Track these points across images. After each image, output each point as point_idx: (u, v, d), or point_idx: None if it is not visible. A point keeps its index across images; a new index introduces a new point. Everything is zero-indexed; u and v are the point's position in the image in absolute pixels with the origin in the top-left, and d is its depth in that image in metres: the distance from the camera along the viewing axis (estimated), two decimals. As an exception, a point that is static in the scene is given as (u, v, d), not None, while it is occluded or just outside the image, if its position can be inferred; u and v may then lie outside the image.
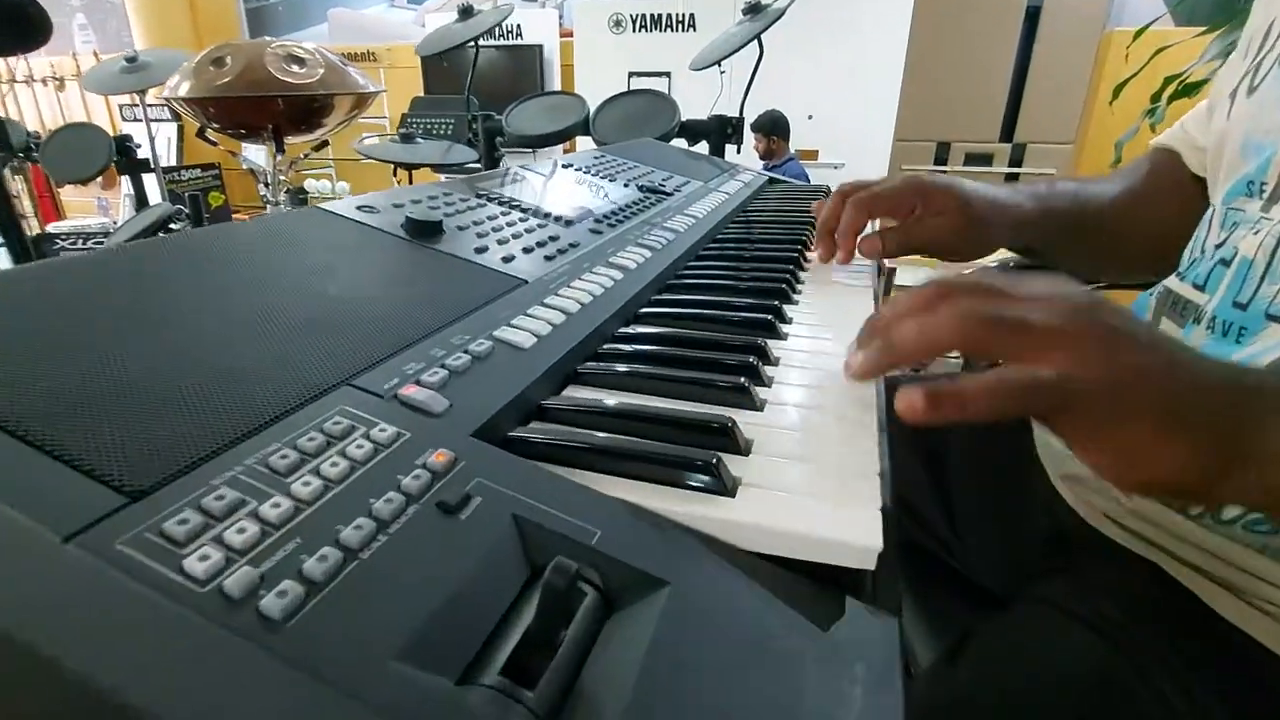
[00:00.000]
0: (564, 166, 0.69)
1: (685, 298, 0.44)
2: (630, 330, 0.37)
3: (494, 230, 0.44)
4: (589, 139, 1.31)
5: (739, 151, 1.43)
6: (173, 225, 1.98)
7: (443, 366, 0.27)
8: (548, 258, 0.42)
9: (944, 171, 3.16)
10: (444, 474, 0.21)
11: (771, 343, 0.36)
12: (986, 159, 3.17)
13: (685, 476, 0.23)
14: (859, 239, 0.51)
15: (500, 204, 0.51)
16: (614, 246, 0.48)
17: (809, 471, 0.24)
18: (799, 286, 0.48)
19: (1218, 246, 0.41)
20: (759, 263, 0.51)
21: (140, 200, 2.29)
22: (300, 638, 0.15)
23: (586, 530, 0.20)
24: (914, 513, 0.56)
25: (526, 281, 0.38)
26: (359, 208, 0.42)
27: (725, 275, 0.48)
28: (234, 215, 2.74)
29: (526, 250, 0.43)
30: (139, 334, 0.25)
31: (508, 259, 0.40)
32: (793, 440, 0.26)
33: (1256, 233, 0.38)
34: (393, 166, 1.35)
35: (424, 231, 0.41)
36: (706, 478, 0.23)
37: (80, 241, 2.17)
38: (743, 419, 0.28)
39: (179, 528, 0.17)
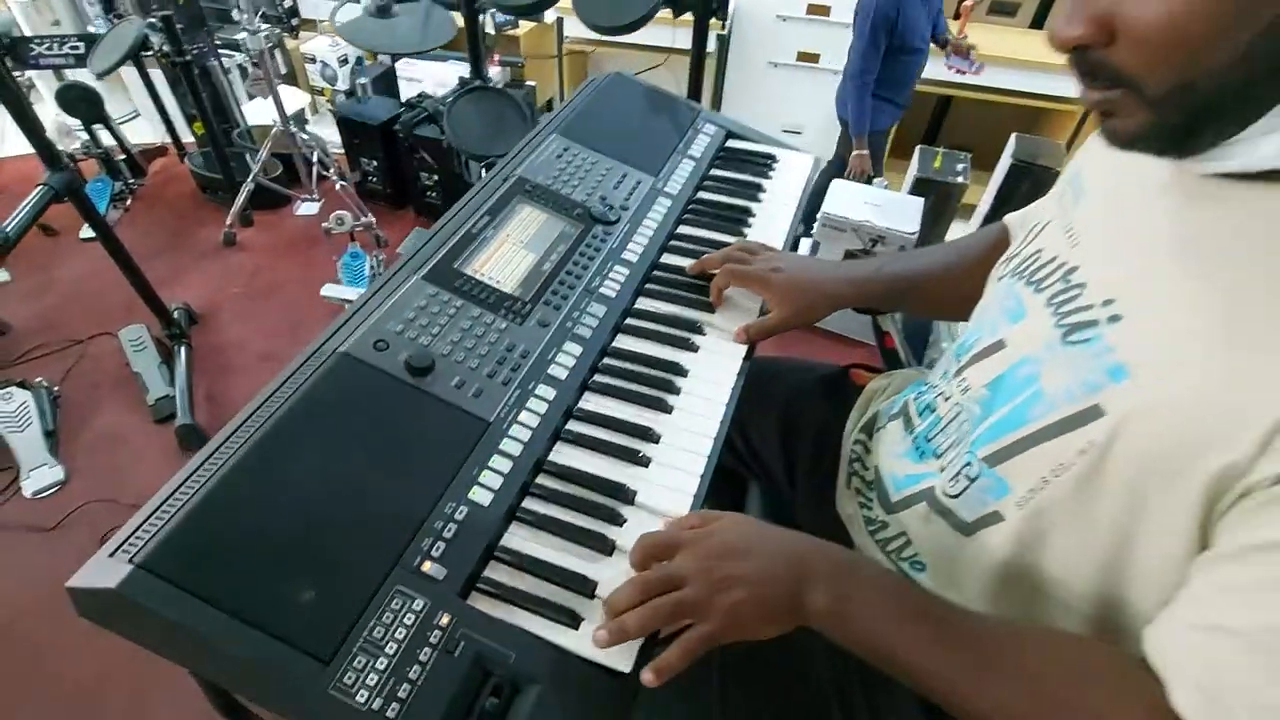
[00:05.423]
0: (526, 191, 0.82)
1: (588, 412, 0.66)
2: (550, 463, 0.61)
3: (466, 349, 0.65)
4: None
5: (724, 26, 1.39)
6: (150, 40, 1.95)
7: (442, 539, 0.52)
8: (505, 383, 0.64)
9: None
10: (448, 630, 0.48)
11: (638, 475, 0.60)
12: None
13: (556, 617, 0.50)
14: (735, 330, 0.73)
15: (474, 299, 0.69)
16: (554, 346, 0.68)
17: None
18: (681, 383, 0.69)
19: (942, 382, 0.63)
20: (646, 367, 0.70)
21: (108, 6, 2.16)
22: (402, 726, 0.44)
23: (508, 656, 0.48)
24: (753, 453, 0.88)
25: (489, 423, 0.60)
26: (375, 345, 0.62)
27: (618, 381, 0.68)
28: None
29: (491, 376, 0.64)
30: (274, 530, 0.49)
31: (477, 394, 0.62)
32: (613, 588, 0.52)
33: (948, 399, 0.60)
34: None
35: (420, 371, 0.62)
36: (562, 621, 0.50)
37: (55, 46, 2.11)
38: (596, 567, 0.54)
39: (351, 682, 0.45)
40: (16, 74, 2.29)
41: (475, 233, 0.76)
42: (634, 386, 0.68)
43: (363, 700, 0.44)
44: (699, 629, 0.47)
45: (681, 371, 0.70)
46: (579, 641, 0.50)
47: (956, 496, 0.55)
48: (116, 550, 0.48)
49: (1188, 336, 0.39)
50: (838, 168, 2.48)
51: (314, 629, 0.46)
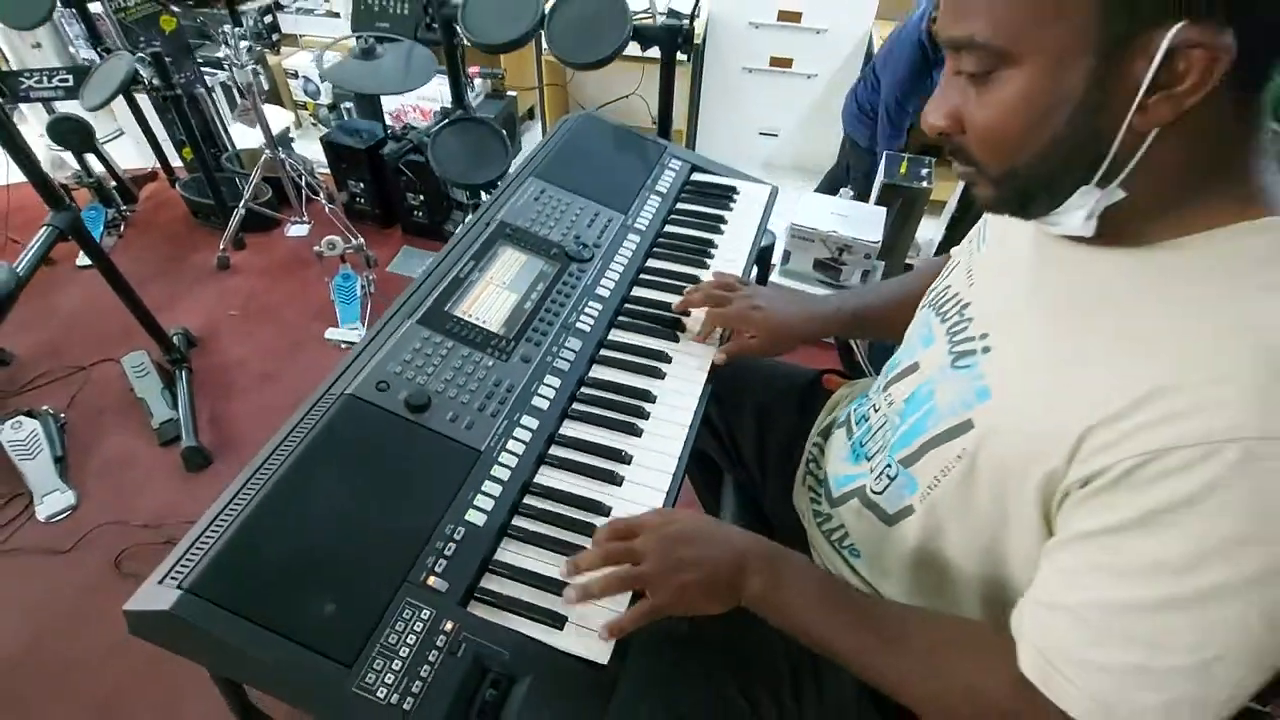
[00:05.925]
0: (507, 235, 0.91)
1: (568, 438, 0.75)
2: (535, 484, 0.69)
3: (458, 386, 0.73)
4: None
5: (690, 58, 1.47)
6: (140, 74, 2.01)
7: (443, 556, 0.61)
8: (493, 415, 0.72)
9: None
10: (451, 634, 0.57)
11: (612, 492, 0.69)
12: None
13: (544, 619, 0.59)
14: (714, 352, 0.83)
15: (463, 340, 0.78)
16: (536, 378, 0.77)
17: (587, 613, 0.60)
18: (650, 408, 0.78)
19: (875, 396, 0.72)
20: (619, 395, 0.79)
21: (94, 39, 2.22)
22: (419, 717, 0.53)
23: (503, 654, 0.57)
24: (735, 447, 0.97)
25: (480, 451, 0.69)
26: (378, 386, 0.71)
27: (594, 409, 0.77)
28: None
29: (481, 409, 0.72)
30: (298, 555, 0.58)
31: (469, 426, 0.70)
32: (593, 592, 0.61)
33: (877, 410, 0.69)
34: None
35: (418, 408, 0.70)
36: (549, 622, 0.59)
37: (45, 79, 2.16)
38: (577, 575, 0.63)
39: (372, 681, 0.53)
40: (8, 106, 2.34)
41: (462, 277, 0.84)
42: (608, 413, 0.77)
43: (382, 696, 0.53)
44: (651, 600, 0.57)
45: (650, 398, 0.79)
46: (564, 639, 0.59)
47: (880, 493, 0.64)
48: (164, 577, 0.56)
49: (1033, 367, 0.48)
50: (840, 175, 2.60)
51: (337, 638, 0.55)
